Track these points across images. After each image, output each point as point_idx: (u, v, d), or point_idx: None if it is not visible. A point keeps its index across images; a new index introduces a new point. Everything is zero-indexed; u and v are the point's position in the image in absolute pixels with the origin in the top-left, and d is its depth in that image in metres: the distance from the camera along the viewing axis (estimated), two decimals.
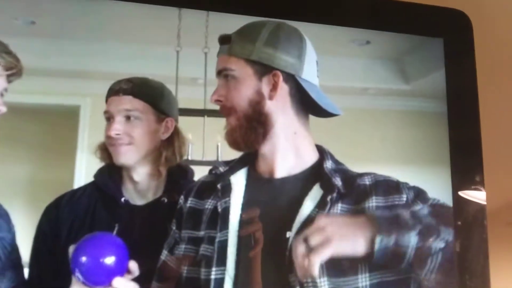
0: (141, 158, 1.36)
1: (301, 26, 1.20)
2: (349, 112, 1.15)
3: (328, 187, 0.98)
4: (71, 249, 1.03)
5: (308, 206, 0.97)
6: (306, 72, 1.04)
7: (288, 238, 0.97)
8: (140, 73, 1.39)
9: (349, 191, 0.97)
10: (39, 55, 3.15)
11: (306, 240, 0.90)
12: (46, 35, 3.14)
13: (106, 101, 1.38)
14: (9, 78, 1.04)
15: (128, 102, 1.37)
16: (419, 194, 1.02)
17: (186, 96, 2.58)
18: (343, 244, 0.90)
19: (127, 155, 1.35)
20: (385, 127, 3.70)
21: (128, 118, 1.35)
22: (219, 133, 2.37)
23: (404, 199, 0.99)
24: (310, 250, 0.88)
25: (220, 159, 2.70)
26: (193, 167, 1.50)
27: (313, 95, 1.04)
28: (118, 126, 1.35)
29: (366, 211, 0.96)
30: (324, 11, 1.31)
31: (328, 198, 0.95)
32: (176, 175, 1.42)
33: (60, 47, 3.21)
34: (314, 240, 0.88)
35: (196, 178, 1.44)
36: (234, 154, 1.21)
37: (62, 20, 2.93)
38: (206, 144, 2.68)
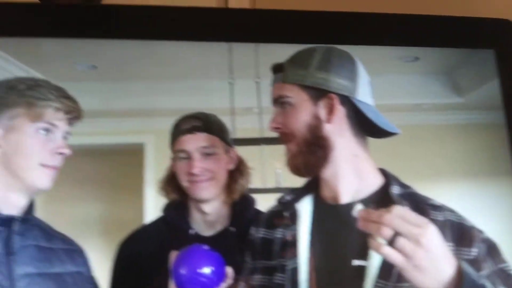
0: (219, 191, 1.38)
1: (348, 49, 1.19)
2: (404, 129, 1.12)
3: None
4: (172, 258, 1.04)
5: (380, 240, 0.95)
6: (361, 93, 1.03)
7: (357, 267, 0.94)
8: (198, 108, 1.41)
9: None
10: (101, 97, 3.24)
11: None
12: (107, 78, 3.23)
13: (175, 139, 1.38)
14: (70, 122, 1.08)
15: (204, 139, 1.37)
16: (491, 250, 0.95)
17: (242, 126, 2.59)
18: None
19: (209, 190, 1.36)
20: (442, 142, 3.60)
21: (205, 154, 1.36)
22: (277, 160, 2.35)
23: (475, 253, 0.93)
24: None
25: (280, 186, 2.69)
26: (256, 195, 1.49)
27: (370, 115, 1.01)
28: (199, 164, 1.36)
29: None
30: (372, 33, 1.30)
31: None
32: (240, 205, 1.42)
33: (121, 88, 3.30)
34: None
35: (259, 206, 1.44)
36: (293, 180, 1.20)
37: (121, 63, 3.02)
38: (265, 171, 2.68)
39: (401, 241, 0.80)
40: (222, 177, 1.37)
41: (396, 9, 1.39)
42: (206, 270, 1.02)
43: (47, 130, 1.04)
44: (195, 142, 1.36)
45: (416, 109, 3.75)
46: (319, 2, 1.33)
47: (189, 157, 1.34)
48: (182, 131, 1.37)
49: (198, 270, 1.02)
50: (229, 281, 1.04)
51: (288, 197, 1.12)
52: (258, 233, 1.14)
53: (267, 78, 2.60)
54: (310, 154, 1.01)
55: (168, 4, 1.29)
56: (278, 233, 1.09)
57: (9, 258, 1.01)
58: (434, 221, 0.92)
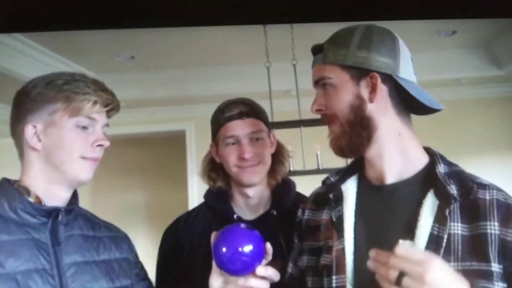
0: (265, 175, 1.36)
1: (386, 26, 1.15)
2: (445, 104, 1.08)
3: (443, 197, 0.91)
4: (213, 239, 1.04)
5: (426, 220, 0.91)
6: (403, 70, 0.98)
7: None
8: (237, 93, 1.38)
9: (466, 201, 0.89)
10: (141, 87, 3.28)
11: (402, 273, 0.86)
12: (145, 67, 3.26)
13: (222, 125, 1.36)
14: (108, 114, 1.07)
15: (252, 125, 1.34)
16: None
17: (281, 109, 2.57)
18: None
19: (258, 174, 1.33)
20: (484, 116, 3.52)
21: (253, 139, 1.34)
22: (316, 142, 2.32)
23: None
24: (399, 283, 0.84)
25: (321, 167, 2.66)
26: (296, 178, 1.47)
27: (413, 92, 0.97)
28: (250, 148, 1.34)
29: (482, 238, 0.88)
30: (409, 6, 1.25)
31: (447, 212, 0.88)
32: (280, 188, 1.40)
33: (159, 77, 3.33)
34: (408, 282, 0.84)
35: (298, 188, 1.42)
36: (334, 161, 1.18)
37: (158, 52, 3.03)
38: (305, 153, 2.66)
39: (406, 281, 0.80)
40: (269, 161, 1.35)
41: None
42: (246, 249, 1.01)
43: (86, 123, 1.04)
44: (244, 127, 1.33)
45: (455, 84, 3.68)
46: None
47: (238, 143, 1.33)
48: (230, 117, 1.34)
49: (239, 249, 1.01)
50: (268, 257, 1.03)
51: (333, 178, 1.10)
52: (304, 214, 1.13)
53: (304, 60, 2.56)
54: (354, 135, 0.98)
55: None
56: (324, 215, 1.07)
57: (56, 248, 0.99)
58: (479, 199, 0.89)
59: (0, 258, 0.88)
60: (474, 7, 1.26)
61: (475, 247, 0.83)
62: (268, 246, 0.98)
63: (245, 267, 0.95)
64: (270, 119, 1.39)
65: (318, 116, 1.02)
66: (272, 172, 1.30)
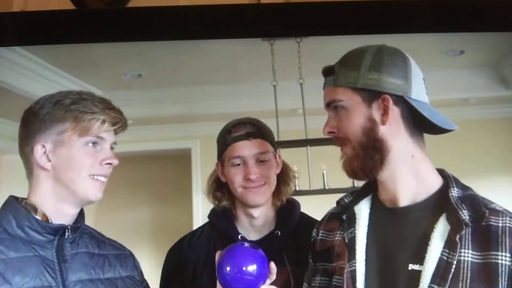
0: (270, 195, 1.37)
1: (392, 40, 1.16)
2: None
3: (454, 222, 0.91)
4: (217, 258, 1.05)
5: (437, 245, 0.91)
6: (415, 91, 0.99)
7: (412, 271, 0.91)
8: (243, 111, 1.39)
9: (478, 227, 0.89)
10: (148, 104, 3.29)
11: None
12: (152, 85, 3.28)
13: (229, 146, 1.37)
14: (116, 131, 1.09)
15: (259, 146, 1.35)
16: None
17: (287, 128, 2.57)
18: None
19: (263, 196, 1.34)
20: (492, 136, 3.50)
21: (259, 160, 1.36)
22: (323, 161, 2.32)
23: None
24: None
25: (327, 187, 2.66)
26: (302, 197, 1.48)
27: (425, 113, 0.98)
28: (256, 169, 1.35)
29: (493, 267, 0.88)
30: (416, 20, 1.25)
31: (457, 238, 0.89)
32: (285, 209, 1.40)
33: (166, 95, 3.34)
34: None
35: (305, 208, 1.43)
36: (340, 181, 1.18)
37: (165, 71, 3.05)
38: (311, 173, 2.66)
39: None
40: (274, 182, 1.36)
41: None
42: (250, 268, 1.02)
43: (94, 142, 1.06)
44: (251, 148, 1.34)
45: (464, 104, 3.67)
46: None
47: (244, 163, 1.34)
48: (237, 138, 1.36)
49: (243, 269, 1.02)
50: (272, 277, 1.04)
51: (347, 199, 1.10)
52: (318, 235, 1.13)
53: (310, 78, 2.58)
54: (367, 158, 0.99)
55: (204, 3, 1.29)
56: (338, 236, 1.07)
57: (62, 265, 0.99)
58: (492, 226, 0.89)
59: (7, 275, 0.90)
60: (484, 21, 1.27)
61: (485, 276, 0.83)
62: (272, 265, 0.98)
63: (249, 286, 0.96)
64: (276, 138, 1.40)
65: (324, 136, 1.03)
66: (277, 192, 1.31)
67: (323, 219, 1.13)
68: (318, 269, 1.07)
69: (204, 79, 3.67)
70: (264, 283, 1.01)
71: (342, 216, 1.04)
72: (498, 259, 0.87)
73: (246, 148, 1.31)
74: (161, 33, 1.24)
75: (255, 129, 1.32)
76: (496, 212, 0.93)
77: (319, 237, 1.10)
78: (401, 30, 1.15)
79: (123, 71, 3.30)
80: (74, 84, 3.33)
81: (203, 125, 4.36)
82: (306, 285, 1.10)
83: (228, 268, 1.00)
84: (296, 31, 1.44)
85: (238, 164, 1.32)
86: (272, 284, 1.02)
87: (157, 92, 3.83)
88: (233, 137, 1.33)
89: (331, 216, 1.11)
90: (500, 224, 0.90)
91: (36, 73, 2.96)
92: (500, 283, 0.86)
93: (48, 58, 2.99)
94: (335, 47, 1.05)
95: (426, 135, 1.03)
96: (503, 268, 0.86)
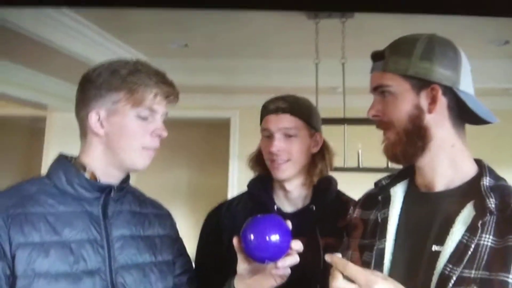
0: (297, 172, 1.37)
1: (436, 24, 1.15)
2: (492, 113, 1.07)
3: (480, 208, 0.92)
4: (246, 224, 1.08)
5: (459, 228, 0.93)
6: (463, 83, 0.98)
7: (435, 252, 0.93)
8: (282, 87, 1.41)
9: (503, 215, 0.90)
10: (192, 74, 3.33)
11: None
12: (198, 55, 3.31)
13: (263, 118, 1.40)
14: (168, 104, 1.12)
15: (287, 121, 1.36)
16: None
17: (326, 105, 2.57)
18: None
19: (286, 171, 1.36)
20: None
21: (286, 135, 1.37)
22: (359, 141, 2.32)
23: None
24: None
25: (361, 166, 2.66)
26: (336, 173, 1.49)
27: (471, 105, 0.97)
28: (279, 143, 1.35)
29: (508, 250, 0.88)
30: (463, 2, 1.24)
31: (479, 224, 0.89)
32: (322, 184, 1.41)
33: (210, 65, 3.37)
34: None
35: (340, 185, 1.44)
36: (374, 161, 1.19)
37: (212, 40, 3.07)
38: (347, 151, 2.67)
39: None
40: (301, 159, 1.35)
41: None
42: (274, 238, 1.03)
43: (146, 114, 1.08)
44: (277, 122, 1.36)
45: (503, 94, 3.60)
46: None
47: (271, 136, 1.36)
48: (268, 111, 1.38)
49: (266, 238, 1.03)
50: (293, 252, 1.05)
51: (384, 182, 1.12)
52: (354, 213, 1.15)
53: (352, 58, 2.55)
54: (409, 144, 0.99)
55: None
56: (372, 215, 1.09)
57: (106, 221, 1.03)
58: None
59: (57, 227, 0.94)
60: None
61: (500, 258, 0.84)
62: (296, 242, 1.00)
63: (272, 255, 0.98)
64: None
65: (362, 115, 1.05)
66: (313, 169, 1.32)
67: (360, 198, 1.16)
68: (351, 244, 1.10)
69: (247, 52, 3.68)
70: (286, 253, 1.03)
71: (378, 197, 1.06)
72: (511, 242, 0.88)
73: (273, 122, 1.33)
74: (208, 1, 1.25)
75: (286, 105, 1.33)
76: None
77: (354, 215, 1.12)
78: (445, 11, 1.14)
79: (171, 39, 3.33)
80: (120, 49, 3.39)
81: (244, 97, 4.40)
82: (341, 256, 1.13)
83: (252, 236, 1.02)
84: (341, 6, 1.43)
85: (267, 136, 1.34)
86: (303, 255, 1.05)
87: (201, 62, 3.86)
88: (266, 110, 1.36)
89: (368, 196, 1.12)
90: None
91: (83, 35, 3.00)
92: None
93: (95, 20, 3.01)
94: (378, 28, 1.05)
95: (466, 125, 1.04)
96: None
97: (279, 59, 3.35)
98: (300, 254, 1.01)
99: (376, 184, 1.07)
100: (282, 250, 0.98)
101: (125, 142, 1.00)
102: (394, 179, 1.04)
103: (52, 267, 0.92)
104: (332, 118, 2.47)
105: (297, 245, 0.99)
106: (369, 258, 0.97)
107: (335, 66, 2.60)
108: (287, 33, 2.92)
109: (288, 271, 1.00)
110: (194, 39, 3.06)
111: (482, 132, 1.11)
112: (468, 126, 0.99)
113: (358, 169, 2.47)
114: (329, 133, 1.46)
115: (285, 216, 1.09)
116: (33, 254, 0.91)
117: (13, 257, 0.90)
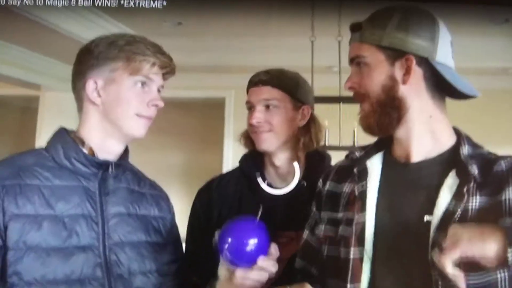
0: (281, 144, 1.37)
1: (437, 8, 1.14)
2: (489, 93, 1.07)
3: (463, 176, 0.92)
4: (217, 233, 1.08)
5: (445, 197, 0.93)
6: (440, 54, 0.98)
7: (427, 222, 0.94)
8: (278, 65, 1.39)
9: (485, 179, 0.91)
10: (186, 53, 3.30)
11: (438, 244, 0.88)
12: (191, 34, 3.28)
13: (247, 92, 1.41)
14: (165, 76, 1.13)
15: (267, 92, 1.38)
16: None
17: (322, 84, 2.56)
18: (471, 247, 0.85)
19: (267, 142, 1.37)
20: None
21: (267, 107, 1.37)
22: (355, 119, 2.32)
23: None
24: (441, 251, 0.85)
25: (356, 144, 2.66)
26: (331, 152, 1.49)
27: (447, 77, 0.97)
28: (259, 115, 1.36)
29: (503, 205, 0.89)
30: None
31: (465, 190, 0.90)
32: (314, 160, 1.41)
33: (205, 44, 3.35)
34: (444, 243, 0.85)
35: (333, 162, 1.43)
36: (369, 139, 1.18)
37: (205, 19, 3.05)
38: (342, 129, 2.66)
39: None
40: (283, 130, 1.35)
41: None
42: (251, 242, 1.04)
43: (143, 83, 1.08)
44: (258, 94, 1.37)
45: (502, 73, 3.59)
46: None
47: (253, 108, 1.37)
48: (251, 84, 1.39)
49: (244, 241, 1.04)
50: (271, 257, 1.05)
51: (358, 154, 1.12)
52: (325, 185, 1.15)
53: (349, 36, 2.54)
54: (384, 115, 1.00)
55: None
56: (346, 187, 1.09)
57: (103, 197, 1.04)
58: (497, 172, 0.91)
59: (51, 201, 0.95)
60: None
61: (491, 214, 0.85)
62: (273, 247, 1.00)
63: (249, 258, 0.98)
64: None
65: None
66: (296, 144, 1.32)
67: (329, 170, 1.15)
68: (323, 218, 1.09)
69: (241, 31, 3.66)
70: (264, 256, 1.03)
71: (354, 169, 1.06)
72: (503, 196, 0.89)
73: (254, 94, 1.34)
74: None
75: (267, 77, 1.34)
76: (500, 158, 0.94)
77: (326, 187, 1.12)
78: None
79: (164, 18, 3.31)
80: (116, 28, 3.36)
81: (239, 76, 4.34)
82: (307, 232, 1.12)
83: (229, 240, 1.02)
84: None
85: (249, 109, 1.35)
86: (297, 237, 1.05)
87: (195, 41, 3.84)
88: (249, 83, 1.36)
89: (340, 169, 1.12)
90: (503, 165, 0.92)
91: (77, 13, 2.99)
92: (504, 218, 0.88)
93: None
94: (376, 7, 1.04)
95: (459, 103, 1.04)
96: (508, 203, 0.89)
97: (274, 38, 3.33)
98: (294, 237, 1.01)
99: (347, 156, 1.06)
100: (258, 254, 0.97)
101: (121, 110, 1.01)
102: (369, 151, 1.03)
103: (44, 241, 0.93)
104: (327, 96, 2.47)
105: (274, 249, 0.99)
106: (347, 233, 0.97)
107: (331, 46, 2.58)
108: (282, 12, 2.90)
109: (264, 277, 1.00)
110: (188, 17, 3.03)
111: (481, 110, 1.11)
112: (466, 107, 0.99)
113: (353, 147, 2.47)
114: (325, 112, 1.45)
115: (276, 198, 1.10)
116: (26, 226, 0.92)
117: (5, 228, 0.91)
